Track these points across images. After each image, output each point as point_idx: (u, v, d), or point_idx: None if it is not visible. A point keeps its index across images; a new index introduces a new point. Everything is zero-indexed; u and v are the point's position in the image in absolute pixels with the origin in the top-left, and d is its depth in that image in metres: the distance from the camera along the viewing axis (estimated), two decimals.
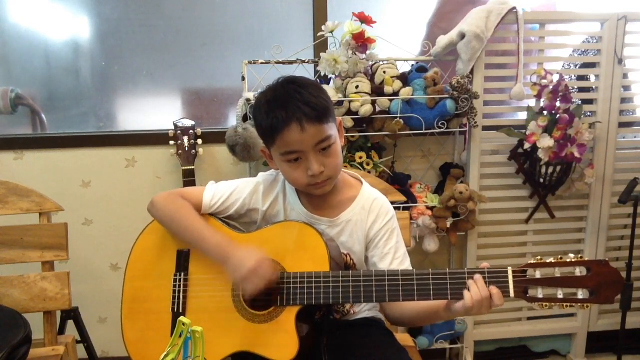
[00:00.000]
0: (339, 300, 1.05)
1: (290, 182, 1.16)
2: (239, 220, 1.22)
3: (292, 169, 1.09)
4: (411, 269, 1.17)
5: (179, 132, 1.89)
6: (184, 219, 1.13)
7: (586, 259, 0.96)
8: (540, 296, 0.97)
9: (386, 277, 1.03)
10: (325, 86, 1.87)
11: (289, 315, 1.06)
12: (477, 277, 0.98)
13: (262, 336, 1.07)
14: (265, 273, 1.03)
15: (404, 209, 1.82)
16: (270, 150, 1.12)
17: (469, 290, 0.98)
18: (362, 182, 1.24)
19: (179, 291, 1.14)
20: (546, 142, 1.85)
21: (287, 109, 1.03)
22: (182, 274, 1.15)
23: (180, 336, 0.79)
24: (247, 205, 1.20)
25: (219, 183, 1.22)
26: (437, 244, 2.02)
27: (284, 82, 1.09)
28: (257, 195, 1.20)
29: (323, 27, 1.85)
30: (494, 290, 0.97)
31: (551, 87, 1.85)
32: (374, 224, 1.18)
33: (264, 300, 1.09)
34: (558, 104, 1.86)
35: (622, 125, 2.09)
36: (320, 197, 1.17)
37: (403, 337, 1.45)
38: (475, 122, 1.91)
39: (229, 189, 1.20)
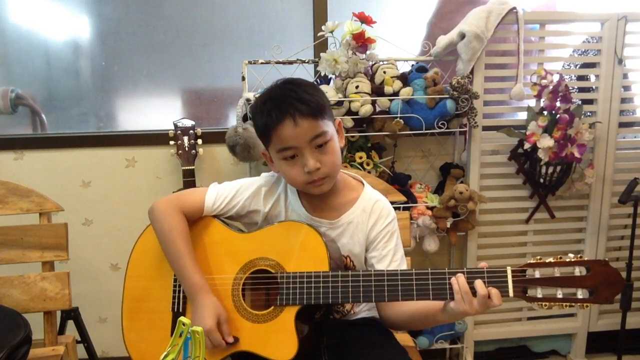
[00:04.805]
0: (338, 300, 1.05)
1: (288, 181, 1.16)
2: (240, 221, 1.23)
3: (289, 166, 1.09)
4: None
5: (179, 132, 1.89)
6: (172, 244, 1.12)
7: (586, 258, 0.96)
8: (540, 296, 0.96)
9: (385, 277, 1.03)
10: (325, 86, 1.87)
11: (289, 315, 1.06)
12: (458, 275, 0.98)
13: (261, 336, 1.07)
14: (209, 341, 1.04)
15: (404, 209, 1.82)
16: (269, 149, 1.13)
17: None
18: (363, 184, 1.23)
19: (179, 291, 1.15)
20: (546, 142, 1.85)
21: (281, 107, 1.05)
22: None
23: (180, 336, 0.79)
24: (248, 207, 1.20)
25: (221, 184, 1.22)
26: (437, 244, 2.02)
27: (280, 83, 1.11)
28: (258, 197, 1.20)
29: (323, 27, 1.85)
30: (493, 290, 0.96)
31: (551, 87, 1.85)
32: (374, 225, 1.18)
33: (263, 300, 1.09)
34: (558, 104, 1.86)
35: (622, 125, 2.09)
36: (321, 199, 1.17)
37: (403, 337, 1.44)
38: (475, 122, 1.91)
39: (230, 191, 1.20)
